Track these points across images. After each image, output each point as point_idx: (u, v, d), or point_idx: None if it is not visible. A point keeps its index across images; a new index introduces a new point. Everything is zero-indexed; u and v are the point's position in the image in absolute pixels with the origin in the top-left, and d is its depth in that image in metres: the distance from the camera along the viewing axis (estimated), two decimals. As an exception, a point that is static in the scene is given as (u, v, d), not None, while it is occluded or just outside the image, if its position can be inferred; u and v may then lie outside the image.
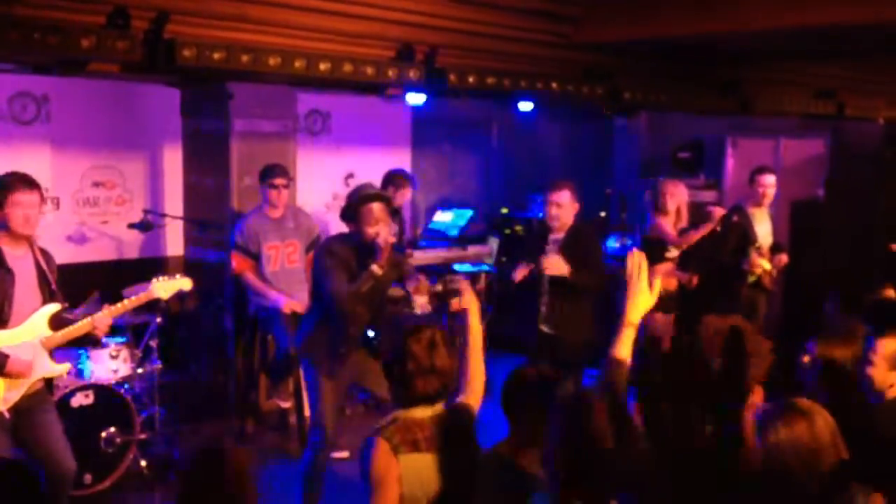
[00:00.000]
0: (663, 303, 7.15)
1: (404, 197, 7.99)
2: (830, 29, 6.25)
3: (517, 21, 6.62)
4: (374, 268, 5.22)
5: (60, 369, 4.86)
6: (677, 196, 7.41)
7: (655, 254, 7.00)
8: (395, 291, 6.22)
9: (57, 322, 4.73)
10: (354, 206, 5.28)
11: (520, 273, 6.32)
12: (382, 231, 5.28)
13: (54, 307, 4.70)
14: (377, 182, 7.80)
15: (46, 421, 4.80)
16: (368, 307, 5.41)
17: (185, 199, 7.74)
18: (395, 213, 8.10)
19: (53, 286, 4.72)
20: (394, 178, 7.88)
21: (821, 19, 6.04)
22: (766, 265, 7.56)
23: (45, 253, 4.78)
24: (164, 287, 5.31)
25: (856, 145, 9.68)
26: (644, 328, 7.23)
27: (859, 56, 8.04)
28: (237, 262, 6.85)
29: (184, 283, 5.42)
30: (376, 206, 5.26)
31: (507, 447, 3.40)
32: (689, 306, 7.39)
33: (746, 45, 7.35)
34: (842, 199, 9.19)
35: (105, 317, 4.85)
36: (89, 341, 5.39)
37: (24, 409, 4.66)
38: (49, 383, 4.88)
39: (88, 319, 4.79)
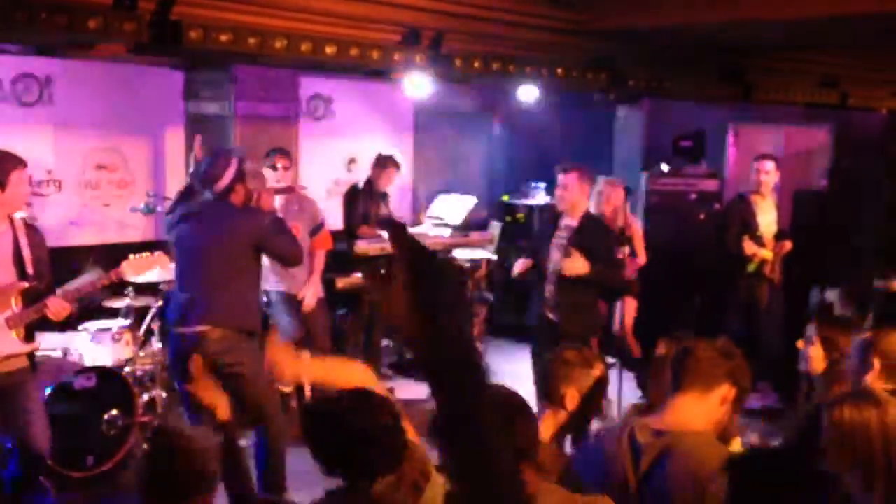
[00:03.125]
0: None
1: (389, 179, 8.06)
2: (834, 19, 6.23)
3: (523, 6, 6.61)
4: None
5: (26, 348, 4.80)
6: (613, 199, 7.47)
7: None
8: None
9: (25, 301, 4.72)
10: (244, 170, 5.42)
11: (520, 267, 6.37)
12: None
13: (21, 285, 4.68)
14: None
15: (25, 401, 4.78)
16: None
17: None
18: (382, 196, 8.13)
19: (28, 265, 4.70)
20: (378, 159, 7.97)
21: (825, 10, 6.03)
22: (768, 254, 7.55)
23: (31, 231, 4.78)
24: (135, 265, 5.18)
25: (859, 135, 9.68)
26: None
27: (863, 46, 8.03)
28: None
29: (159, 262, 5.29)
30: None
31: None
32: (690, 291, 7.44)
33: (751, 34, 7.34)
34: (845, 189, 9.19)
35: (59, 299, 4.76)
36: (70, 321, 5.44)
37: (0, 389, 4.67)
38: (33, 363, 4.86)
39: (44, 302, 4.73)
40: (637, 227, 7.45)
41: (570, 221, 6.26)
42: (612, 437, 3.10)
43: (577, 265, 6.02)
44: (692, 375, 3.01)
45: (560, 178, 6.29)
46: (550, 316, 6.25)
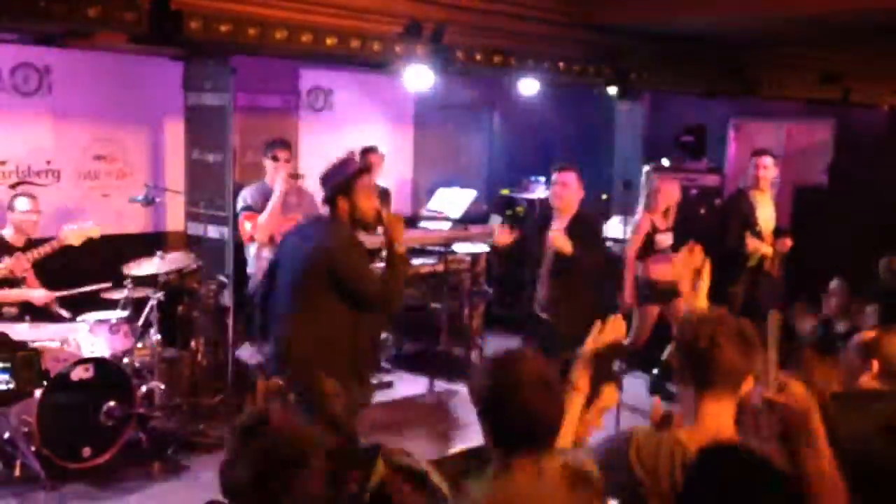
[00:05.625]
0: (666, 293, 7.28)
1: (375, 169, 8.01)
2: (836, 14, 6.21)
3: (525, -1, 6.59)
4: (400, 248, 4.67)
5: None
6: (668, 195, 7.45)
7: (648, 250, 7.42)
8: None
9: None
10: (348, 181, 4.68)
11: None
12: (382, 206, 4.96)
13: None
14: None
15: None
16: None
17: (186, 174, 7.70)
18: (383, 195, 8.10)
19: None
20: (360, 152, 7.92)
21: (826, 5, 6.01)
22: (767, 249, 7.56)
23: None
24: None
25: (861, 131, 9.65)
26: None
27: (866, 42, 7.99)
28: (253, 223, 6.60)
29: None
30: (368, 179, 4.77)
31: None
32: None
33: (753, 29, 7.31)
34: (846, 186, 9.16)
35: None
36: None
37: None
38: None
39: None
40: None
41: (560, 223, 6.25)
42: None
43: (562, 241, 6.02)
44: (720, 373, 2.65)
45: (558, 176, 6.28)
46: (542, 315, 6.23)
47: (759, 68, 8.69)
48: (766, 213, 7.70)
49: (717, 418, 2.67)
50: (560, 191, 6.27)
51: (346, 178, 4.68)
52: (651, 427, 2.93)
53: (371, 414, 3.19)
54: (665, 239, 7.46)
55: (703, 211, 8.89)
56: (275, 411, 2.60)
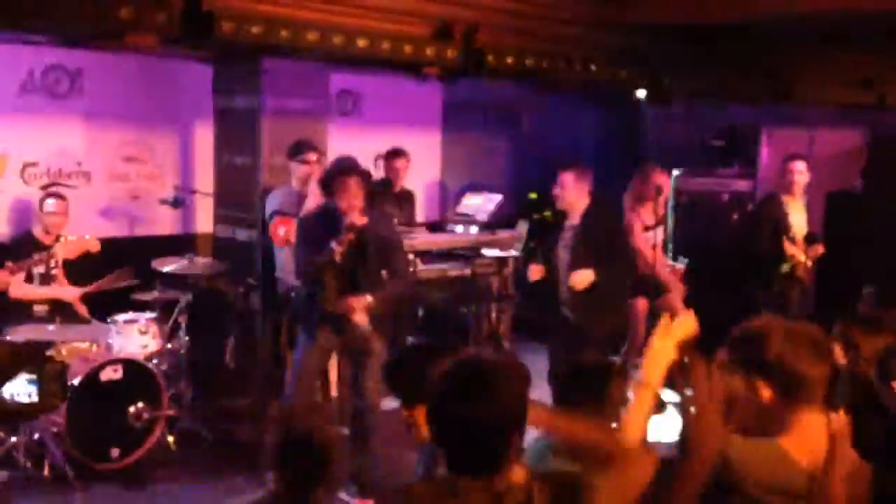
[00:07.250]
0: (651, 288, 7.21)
1: (399, 170, 8.16)
2: (875, 14, 6.14)
3: (557, 0, 6.54)
4: (333, 245, 5.32)
5: None
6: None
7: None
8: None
9: None
10: (331, 177, 5.44)
11: (534, 273, 6.34)
12: (353, 209, 5.34)
13: None
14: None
15: None
16: (339, 282, 5.48)
17: (215, 177, 7.70)
18: (403, 196, 8.10)
19: None
20: (385, 155, 8.11)
21: (867, 4, 5.95)
22: (801, 256, 7.46)
23: None
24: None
25: (895, 137, 9.52)
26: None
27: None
28: (287, 228, 6.58)
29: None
30: (352, 181, 5.35)
31: None
32: (719, 293, 7.33)
33: (789, 30, 7.23)
34: (879, 192, 9.03)
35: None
36: None
37: None
38: None
39: None
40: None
41: (572, 221, 6.23)
42: None
43: (581, 278, 5.99)
44: None
45: (558, 177, 6.28)
46: (568, 314, 6.19)
47: (792, 73, 8.60)
48: (798, 219, 7.60)
49: None
50: (558, 193, 6.27)
51: (328, 173, 5.59)
52: None
53: (400, 415, 3.13)
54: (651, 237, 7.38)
55: (735, 216, 8.79)
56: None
